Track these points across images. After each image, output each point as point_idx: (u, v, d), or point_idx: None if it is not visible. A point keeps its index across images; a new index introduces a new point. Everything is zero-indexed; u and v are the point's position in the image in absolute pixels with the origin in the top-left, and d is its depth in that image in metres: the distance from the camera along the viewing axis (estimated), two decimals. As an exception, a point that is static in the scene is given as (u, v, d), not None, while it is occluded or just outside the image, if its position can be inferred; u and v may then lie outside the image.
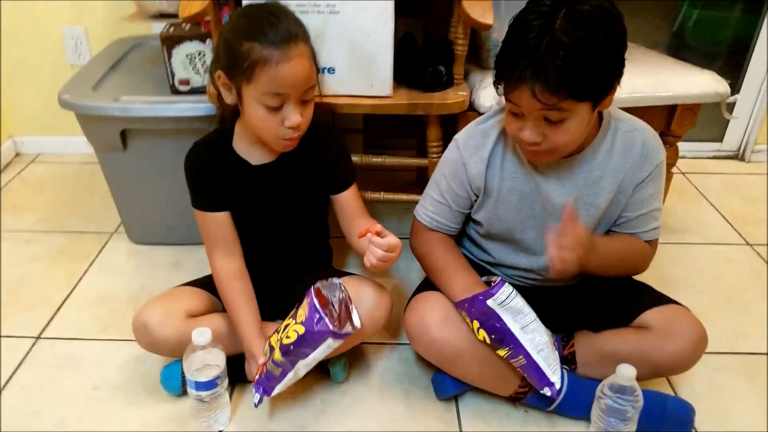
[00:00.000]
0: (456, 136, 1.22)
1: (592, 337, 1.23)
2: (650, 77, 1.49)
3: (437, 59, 1.41)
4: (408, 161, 1.58)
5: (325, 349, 1.11)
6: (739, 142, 2.35)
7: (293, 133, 1.14)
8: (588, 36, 0.93)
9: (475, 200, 1.22)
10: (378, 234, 1.10)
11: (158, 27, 1.62)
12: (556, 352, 1.15)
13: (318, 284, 1.13)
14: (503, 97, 1.05)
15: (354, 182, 1.33)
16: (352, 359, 1.34)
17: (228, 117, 1.25)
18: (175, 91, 1.57)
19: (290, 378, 1.14)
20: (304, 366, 1.13)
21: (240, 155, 1.24)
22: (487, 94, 1.42)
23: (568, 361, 1.23)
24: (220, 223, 1.26)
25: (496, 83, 1.05)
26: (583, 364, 1.23)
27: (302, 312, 1.11)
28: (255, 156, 1.24)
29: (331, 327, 1.08)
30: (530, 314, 1.11)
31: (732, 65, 2.30)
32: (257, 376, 1.16)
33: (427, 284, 1.27)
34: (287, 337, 1.10)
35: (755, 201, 2.07)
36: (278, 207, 1.28)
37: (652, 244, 1.23)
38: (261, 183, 1.25)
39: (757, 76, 2.20)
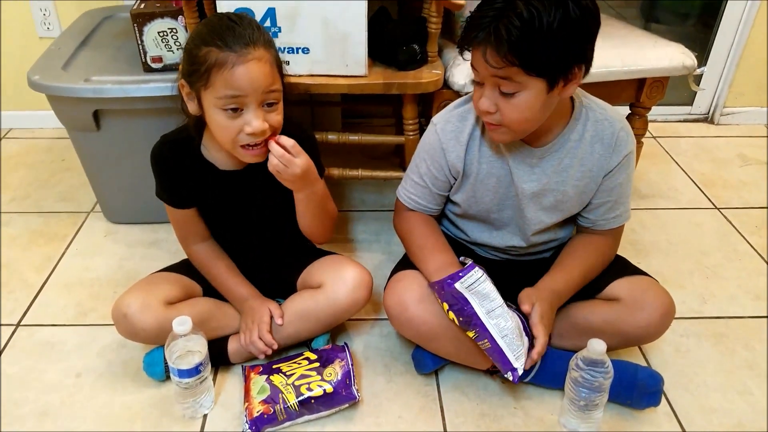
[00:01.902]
0: (434, 119, 1.23)
1: (564, 309, 1.25)
2: (619, 50, 1.50)
3: (411, 37, 1.40)
4: (385, 139, 1.58)
5: (336, 411, 1.20)
6: (708, 105, 2.36)
7: (254, 139, 1.11)
8: (550, 14, 0.94)
9: (454, 183, 1.24)
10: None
11: (129, -1, 1.58)
12: (525, 338, 1.16)
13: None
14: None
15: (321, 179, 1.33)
16: (334, 334, 1.37)
17: (195, 126, 1.22)
18: (147, 69, 1.54)
19: (287, 426, 1.18)
20: (307, 419, 1.19)
21: (207, 159, 1.23)
22: (461, 72, 1.42)
23: (542, 333, 1.28)
24: (187, 217, 1.28)
25: (460, 50, 1.05)
26: (555, 336, 1.25)
27: (332, 372, 1.18)
28: (223, 162, 1.23)
29: (357, 397, 1.18)
30: (497, 300, 1.13)
31: (703, 25, 2.30)
32: (255, 414, 1.15)
33: (406, 262, 1.29)
34: (309, 389, 1.16)
35: (724, 164, 2.10)
36: (249, 210, 1.28)
37: (615, 232, 1.26)
38: (229, 188, 1.25)
39: (726, 37, 2.21)
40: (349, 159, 1.62)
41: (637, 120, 1.60)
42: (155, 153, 1.24)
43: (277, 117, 1.14)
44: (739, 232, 1.76)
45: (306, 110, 2.00)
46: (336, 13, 1.30)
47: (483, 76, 1.03)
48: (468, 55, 1.05)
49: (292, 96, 1.29)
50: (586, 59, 1.02)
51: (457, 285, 1.11)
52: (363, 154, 1.97)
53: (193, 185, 1.24)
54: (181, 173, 1.23)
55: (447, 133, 1.19)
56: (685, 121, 2.39)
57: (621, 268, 1.27)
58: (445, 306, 1.13)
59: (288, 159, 1.12)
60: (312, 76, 1.38)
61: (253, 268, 1.35)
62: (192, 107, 1.14)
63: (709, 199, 1.91)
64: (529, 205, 1.20)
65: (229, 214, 1.29)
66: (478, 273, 1.13)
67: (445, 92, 1.42)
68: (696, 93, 2.31)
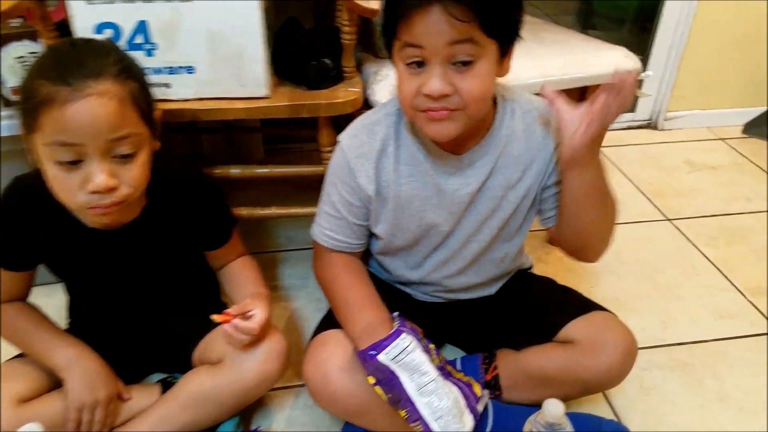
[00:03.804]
0: (339, 137, 1.05)
1: (515, 355, 1.13)
2: (558, 57, 1.38)
3: (324, 50, 1.22)
4: (298, 170, 1.37)
5: None
6: (651, 110, 2.31)
7: (100, 199, 0.88)
8: None
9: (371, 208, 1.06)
10: (241, 314, 0.99)
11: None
12: (469, 416, 1.00)
13: None
14: (395, 55, 0.90)
15: (232, 234, 1.15)
16: (248, 412, 1.16)
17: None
18: (8, 103, 1.29)
19: None
20: None
21: (70, 214, 0.98)
22: (383, 89, 1.26)
23: (491, 386, 1.13)
24: (16, 280, 1.04)
25: (387, 27, 0.88)
26: (508, 389, 1.13)
27: None
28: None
29: None
30: (430, 372, 0.97)
31: (640, 29, 2.28)
32: None
33: (332, 318, 1.09)
34: None
35: (672, 171, 2.04)
36: (128, 275, 1.06)
37: None
38: (100, 251, 1.01)
39: (665, 42, 2.15)
40: (277, 191, 1.41)
41: (582, 132, 1.47)
42: (5, 195, 0.99)
43: (133, 172, 0.90)
44: (694, 245, 1.68)
45: (220, 138, 1.78)
46: (224, 25, 1.10)
47: (433, 49, 0.84)
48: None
49: (205, 123, 1.08)
50: (518, 33, 0.91)
51: (381, 357, 0.94)
52: (288, 186, 1.79)
53: (46, 244, 1.00)
54: (32, 229, 0.98)
55: (353, 150, 1.02)
56: (628, 128, 2.32)
57: (575, 305, 1.14)
58: (371, 380, 0.96)
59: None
60: (200, 99, 1.17)
61: (136, 341, 1.12)
62: (30, 155, 0.90)
63: (659, 209, 1.83)
64: (474, 215, 1.05)
65: (100, 279, 1.05)
66: (405, 341, 0.96)
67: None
68: (638, 99, 2.25)
